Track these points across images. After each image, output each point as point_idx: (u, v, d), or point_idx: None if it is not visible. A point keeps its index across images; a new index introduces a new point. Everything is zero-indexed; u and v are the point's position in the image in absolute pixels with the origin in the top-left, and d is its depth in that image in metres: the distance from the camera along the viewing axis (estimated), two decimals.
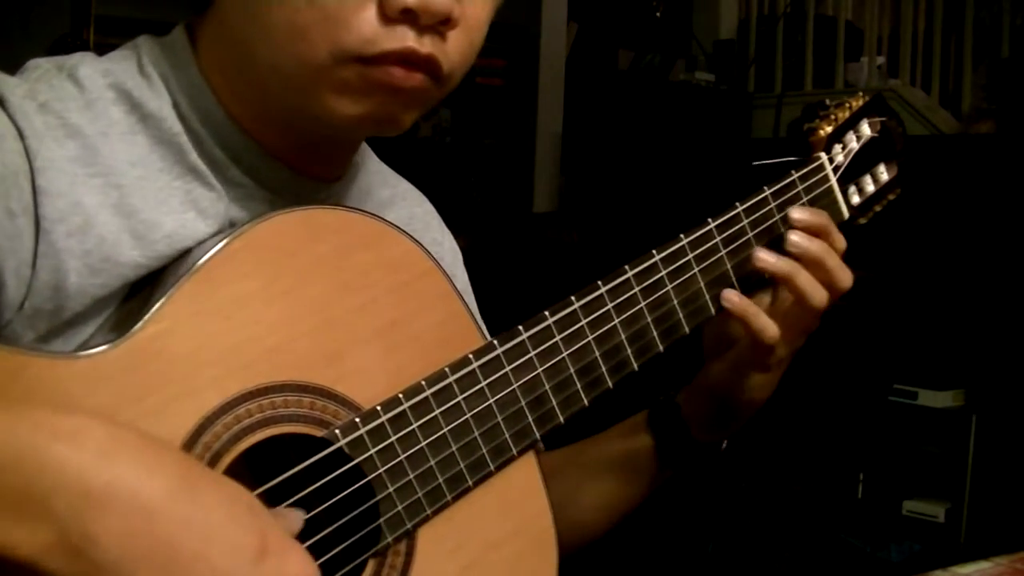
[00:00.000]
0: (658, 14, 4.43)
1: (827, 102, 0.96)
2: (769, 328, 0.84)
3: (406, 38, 0.67)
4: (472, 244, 0.99)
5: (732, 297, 0.84)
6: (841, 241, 0.88)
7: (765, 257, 0.84)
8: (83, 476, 0.52)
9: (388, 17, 0.67)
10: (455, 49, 0.70)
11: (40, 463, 0.51)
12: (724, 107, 4.14)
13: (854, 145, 0.94)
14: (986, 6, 3.97)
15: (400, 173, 0.94)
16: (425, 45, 0.68)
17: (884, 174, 0.97)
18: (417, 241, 0.75)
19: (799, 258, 0.85)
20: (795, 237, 0.85)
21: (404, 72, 0.68)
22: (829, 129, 0.93)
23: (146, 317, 0.64)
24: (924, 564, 1.31)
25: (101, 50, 0.75)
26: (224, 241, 0.67)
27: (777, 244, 0.87)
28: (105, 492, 0.52)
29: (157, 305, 0.64)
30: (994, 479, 2.98)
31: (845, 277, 0.86)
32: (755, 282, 0.87)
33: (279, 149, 0.75)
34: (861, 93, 0.98)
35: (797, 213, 0.86)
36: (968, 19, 3.98)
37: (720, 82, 4.28)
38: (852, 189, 0.95)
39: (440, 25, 0.68)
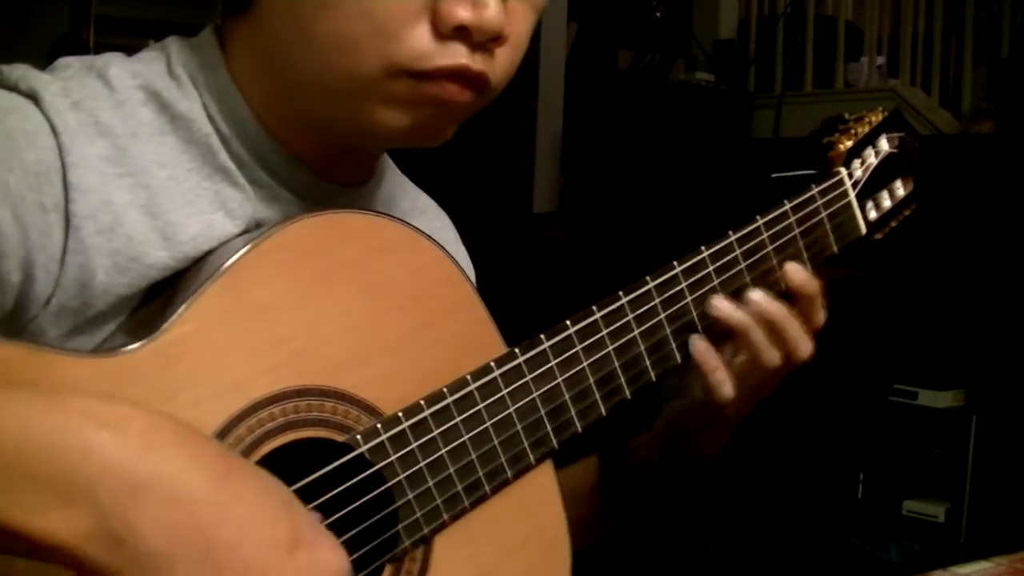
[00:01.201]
0: (658, 14, 4.43)
1: (846, 116, 0.96)
2: (724, 385, 0.82)
3: (460, 55, 0.67)
4: (472, 244, 0.99)
5: (699, 344, 0.82)
6: (820, 317, 0.86)
7: (720, 305, 0.82)
8: (127, 464, 0.52)
9: (441, 33, 0.67)
10: (501, 65, 0.71)
11: (85, 450, 0.51)
12: (724, 107, 4.15)
13: (872, 160, 0.95)
14: (986, 6, 3.97)
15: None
16: (477, 62, 0.68)
17: (900, 189, 0.98)
18: (442, 247, 0.76)
19: (757, 315, 0.83)
20: (756, 296, 0.83)
21: (458, 88, 0.68)
22: (849, 144, 0.93)
23: (173, 318, 0.63)
24: (924, 564, 1.32)
25: (100, 50, 0.75)
26: (252, 243, 0.67)
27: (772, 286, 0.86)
28: (149, 481, 0.52)
29: (184, 306, 0.64)
30: (994, 479, 2.98)
31: (803, 348, 0.84)
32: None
33: (305, 153, 0.75)
34: (881, 108, 0.98)
35: (793, 271, 0.86)
36: (968, 19, 3.98)
37: (720, 82, 4.28)
38: (869, 204, 0.95)
39: (490, 42, 0.68)
